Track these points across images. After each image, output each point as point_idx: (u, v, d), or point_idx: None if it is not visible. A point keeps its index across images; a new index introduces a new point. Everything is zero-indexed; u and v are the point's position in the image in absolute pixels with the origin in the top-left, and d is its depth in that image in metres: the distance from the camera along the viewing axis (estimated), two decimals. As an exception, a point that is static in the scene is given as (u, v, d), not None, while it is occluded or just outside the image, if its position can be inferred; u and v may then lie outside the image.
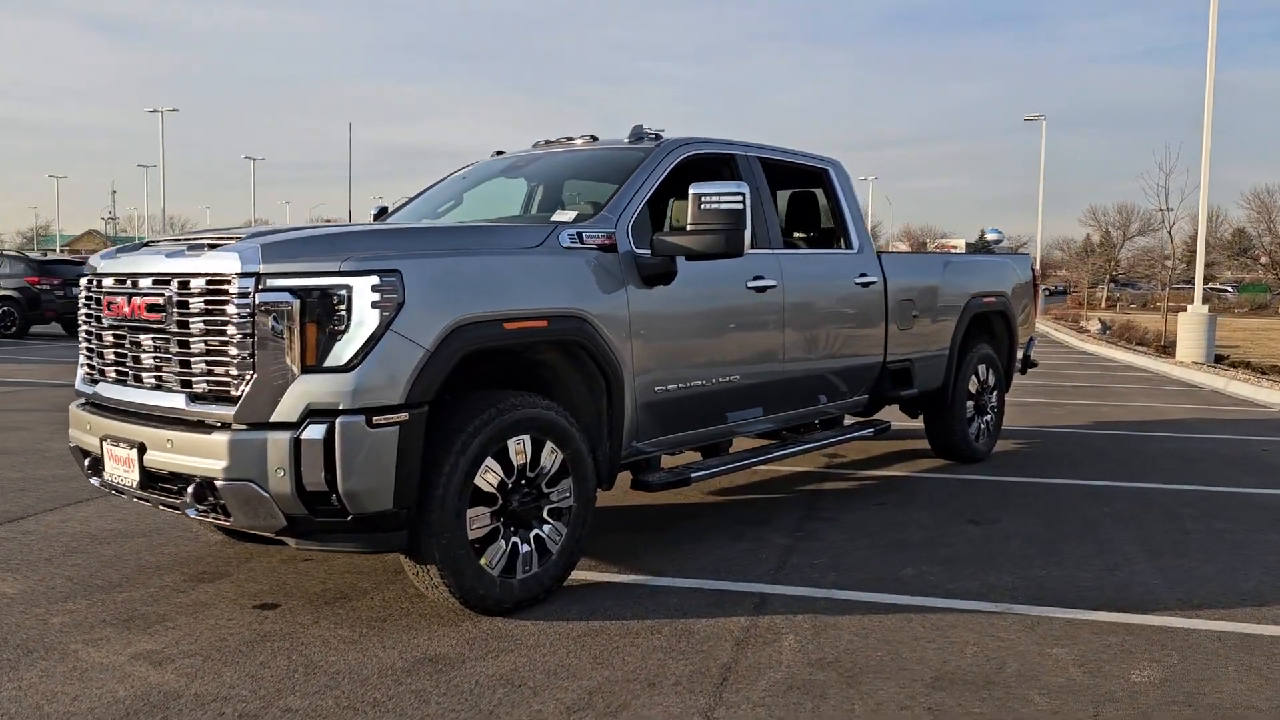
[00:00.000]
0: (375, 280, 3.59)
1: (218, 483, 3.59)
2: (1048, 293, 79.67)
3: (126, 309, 3.96)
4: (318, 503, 3.59)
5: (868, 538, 5.28)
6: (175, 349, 3.79)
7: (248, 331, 3.58)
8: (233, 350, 3.62)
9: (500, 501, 4.00)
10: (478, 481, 3.90)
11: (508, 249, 4.15)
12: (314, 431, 3.51)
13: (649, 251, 4.62)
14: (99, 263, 4.28)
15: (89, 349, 4.28)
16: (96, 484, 4.21)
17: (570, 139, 5.69)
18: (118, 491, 4.08)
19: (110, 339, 4.10)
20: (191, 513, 3.74)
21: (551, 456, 4.17)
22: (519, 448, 4.04)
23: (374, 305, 3.59)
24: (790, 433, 6.51)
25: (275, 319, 3.55)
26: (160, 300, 3.82)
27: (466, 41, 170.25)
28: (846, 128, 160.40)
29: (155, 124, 48.97)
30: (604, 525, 5.56)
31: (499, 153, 6.08)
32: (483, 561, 3.95)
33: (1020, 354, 8.12)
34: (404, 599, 4.23)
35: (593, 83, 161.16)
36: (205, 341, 3.70)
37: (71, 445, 4.38)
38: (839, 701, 3.26)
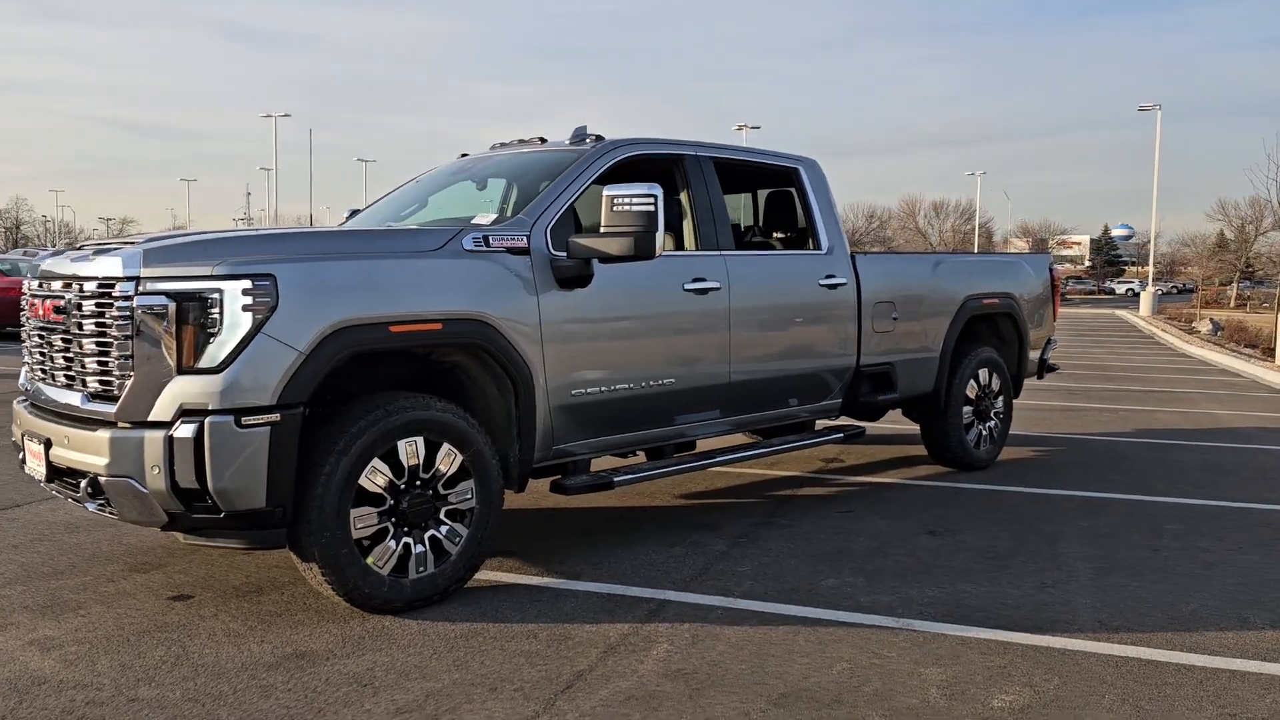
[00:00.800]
0: (247, 284, 3.69)
1: (101, 479, 3.75)
2: (1175, 290, 75.90)
3: (40, 310, 4.17)
4: (193, 500, 3.71)
5: (811, 545, 5.16)
6: (75, 349, 3.97)
7: (129, 333, 3.73)
8: (116, 351, 3.78)
9: (389, 502, 4.05)
10: (363, 482, 3.96)
11: (401, 253, 4.19)
12: (185, 430, 3.63)
13: (566, 254, 4.61)
14: (40, 265, 4.51)
15: (25, 348, 4.52)
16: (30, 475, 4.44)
17: (522, 141, 5.72)
18: (41, 484, 4.30)
19: (35, 339, 4.32)
20: (91, 506, 3.91)
21: (449, 458, 4.20)
22: (410, 449, 4.08)
23: (245, 309, 3.68)
24: (763, 436, 6.41)
25: (153, 321, 3.69)
26: (63, 302, 4.01)
27: (581, 41, 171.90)
28: (965, 121, 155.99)
29: (289, 129, 51.15)
30: (549, 528, 5.58)
31: (464, 155, 6.15)
32: (369, 560, 4.01)
33: (1036, 358, 7.78)
34: (310, 595, 4.33)
35: (707, 80, 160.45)
36: (96, 342, 3.87)
37: (11, 440, 4.64)
38: (670, 714, 3.20)
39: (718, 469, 7.10)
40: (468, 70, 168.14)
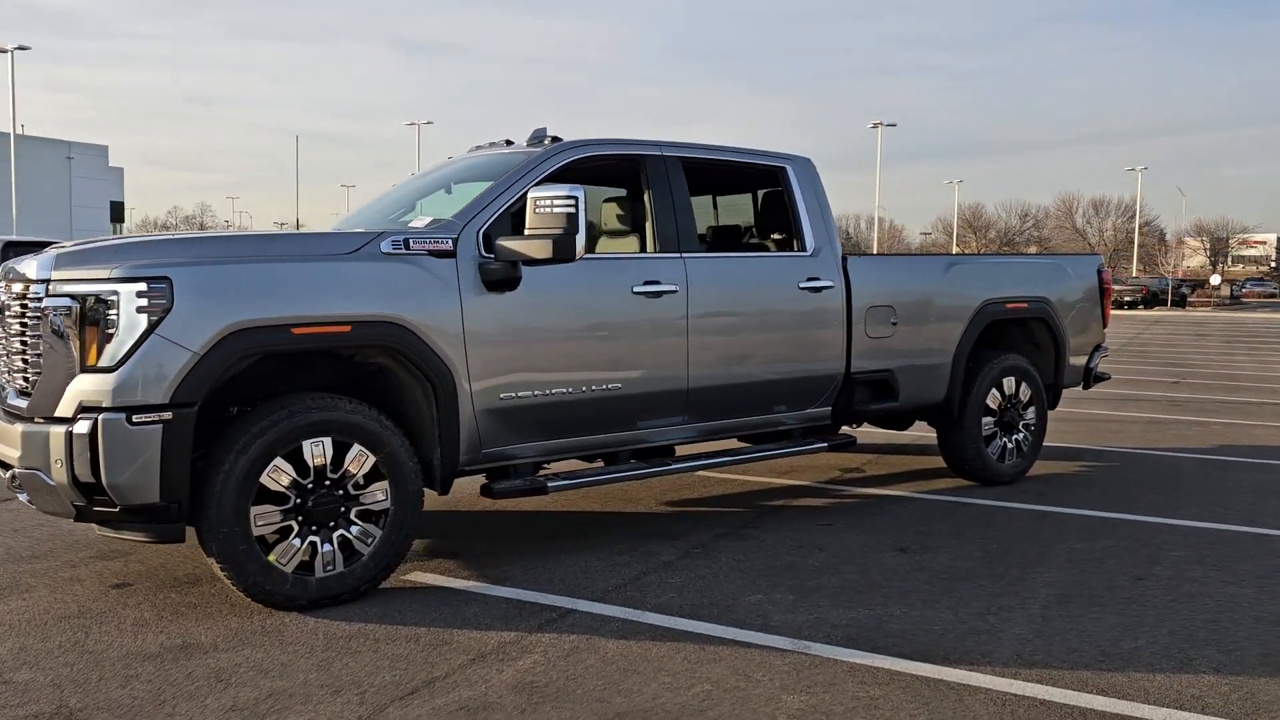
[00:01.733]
0: (142, 286, 3.83)
1: (17, 471, 3.96)
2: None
3: (-6, 311, 4.44)
4: (94, 493, 3.88)
5: (764, 559, 4.96)
6: (7, 347, 4.21)
7: (39, 333, 3.93)
8: (31, 349, 3.98)
9: (294, 501, 4.12)
10: (265, 480, 4.05)
11: (312, 256, 4.26)
12: (82, 426, 3.79)
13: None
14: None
15: (-3, 347, 4.82)
16: None
17: (492, 144, 5.73)
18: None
19: (-3, 339, 4.60)
20: (22, 497, 4.13)
21: (360, 459, 4.25)
22: (316, 450, 4.14)
23: (140, 310, 3.82)
24: (751, 443, 6.23)
25: (60, 321, 3.87)
26: (2, 302, 4.26)
27: (734, 42, 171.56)
28: (1138, 113, 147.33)
29: (436, 134, 53.14)
30: (512, 531, 5.57)
31: (449, 158, 6.21)
32: (271, 557, 4.10)
33: (1080, 366, 7.26)
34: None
35: (864, 77, 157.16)
36: (20, 340, 4.09)
37: None
38: (491, 727, 3.13)
39: (721, 475, 6.94)
40: (627, 74, 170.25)
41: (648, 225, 5.33)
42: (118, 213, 60.12)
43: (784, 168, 5.92)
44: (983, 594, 4.46)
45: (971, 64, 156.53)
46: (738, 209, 6.77)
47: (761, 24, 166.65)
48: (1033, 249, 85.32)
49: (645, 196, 5.34)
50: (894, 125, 55.40)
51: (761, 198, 6.33)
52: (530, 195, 4.51)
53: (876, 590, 4.50)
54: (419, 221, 4.80)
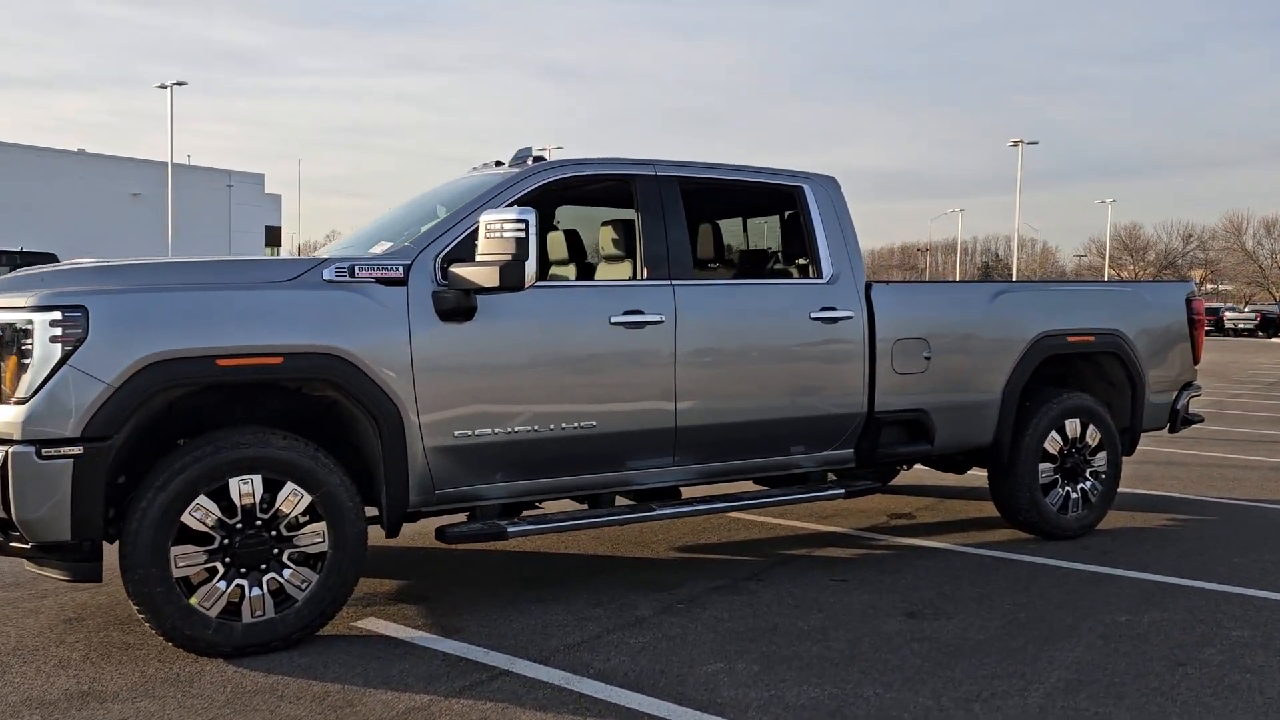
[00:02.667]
0: (56, 315, 3.70)
1: None
2: None
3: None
4: (9, 528, 3.76)
5: (748, 620, 4.48)
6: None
7: (-35, 363, 3.85)
8: (-41, 379, 3.91)
9: (220, 541, 3.92)
10: (187, 519, 3.86)
11: (245, 284, 4.06)
12: (-7, 460, 3.67)
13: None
14: None
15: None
16: None
17: (486, 164, 5.46)
18: None
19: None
20: None
21: (294, 499, 4.02)
22: (245, 487, 3.93)
23: (54, 340, 3.69)
24: (767, 485, 5.75)
25: (-17, 351, 3.78)
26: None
27: (884, 61, 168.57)
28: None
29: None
30: (496, 574, 5.24)
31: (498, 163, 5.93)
32: (194, 600, 3.90)
33: (1165, 405, 6.45)
34: (177, 628, 4.28)
35: (1026, 92, 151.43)
36: (-43, 369, 4.03)
37: None
38: (338, 813, 2.80)
39: (751, 517, 6.45)
40: (773, 95, 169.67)
41: (636, 250, 4.95)
42: (273, 237, 63.23)
43: (800, 188, 5.43)
44: (980, 674, 3.87)
45: (1132, 76, 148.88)
46: (763, 233, 6.30)
47: (910, 42, 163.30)
48: (1197, 273, 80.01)
49: (635, 220, 4.96)
50: (1035, 143, 52.86)
51: (785, 222, 5.85)
52: (481, 219, 4.21)
53: (858, 664, 3.97)
54: (379, 247, 4.56)
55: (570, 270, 5.95)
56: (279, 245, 65.77)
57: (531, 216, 4.12)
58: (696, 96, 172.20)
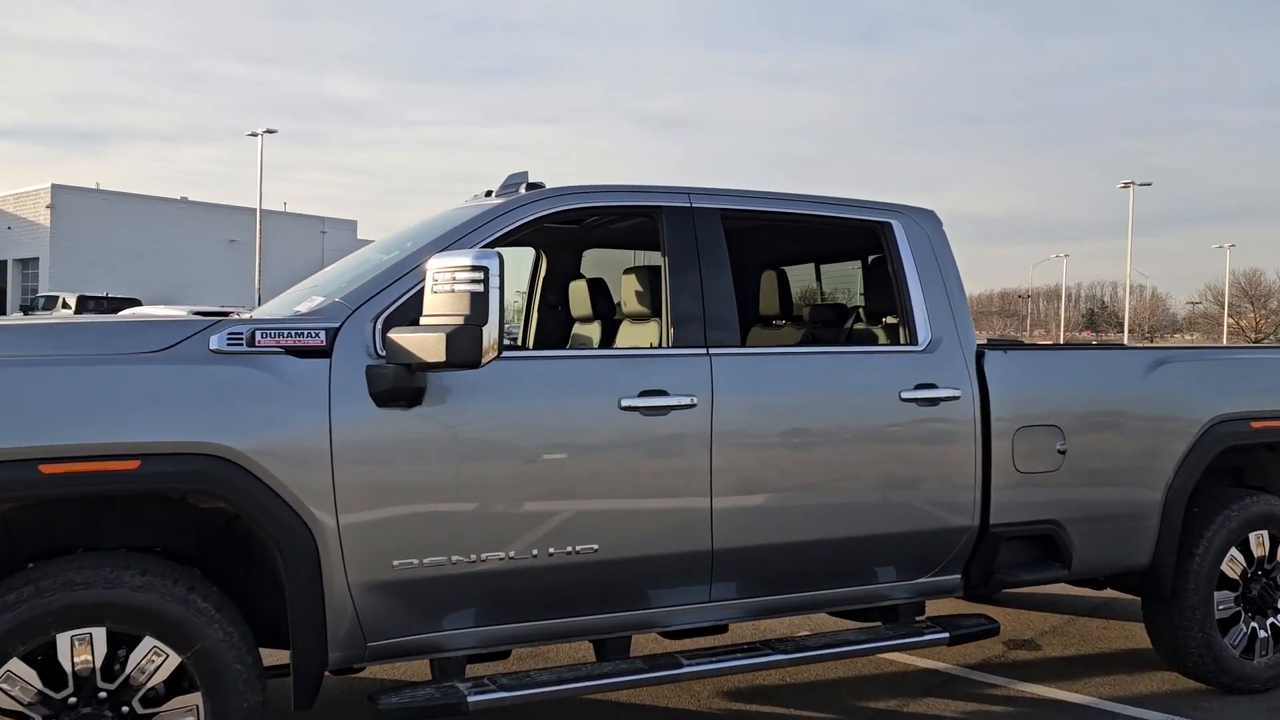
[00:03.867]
0: None
1: None
2: None
3: None
4: None
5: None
6: None
7: None
8: None
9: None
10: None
11: (91, 357, 2.91)
12: None
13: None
14: None
15: None
16: None
17: (477, 196, 4.27)
18: None
19: None
20: None
21: (154, 661, 2.83)
22: (79, 645, 2.77)
23: None
24: (844, 619, 4.37)
25: None
26: None
27: (982, 106, 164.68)
28: None
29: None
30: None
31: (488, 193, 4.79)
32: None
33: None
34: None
35: (1129, 136, 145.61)
36: None
37: None
38: None
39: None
40: (872, 141, 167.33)
41: (663, 306, 3.68)
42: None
43: (888, 224, 4.09)
44: None
45: (1250, 119, 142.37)
46: (837, 284, 4.98)
47: (1006, 88, 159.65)
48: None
49: (662, 265, 3.70)
50: (1148, 184, 50.02)
51: (862, 268, 4.52)
52: (428, 267, 3.01)
53: None
54: (308, 304, 3.38)
55: (594, 330, 4.72)
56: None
57: (493, 263, 2.90)
58: (793, 143, 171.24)
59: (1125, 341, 51.51)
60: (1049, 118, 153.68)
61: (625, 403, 3.38)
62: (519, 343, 5.28)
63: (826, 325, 4.84)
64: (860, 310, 4.71)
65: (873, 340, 4.47)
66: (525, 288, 5.25)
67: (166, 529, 3.17)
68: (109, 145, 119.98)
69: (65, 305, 30.81)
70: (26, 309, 37.23)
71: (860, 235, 4.33)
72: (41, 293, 39.75)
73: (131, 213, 51.68)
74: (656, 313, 3.95)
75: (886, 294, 4.19)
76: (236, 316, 3.36)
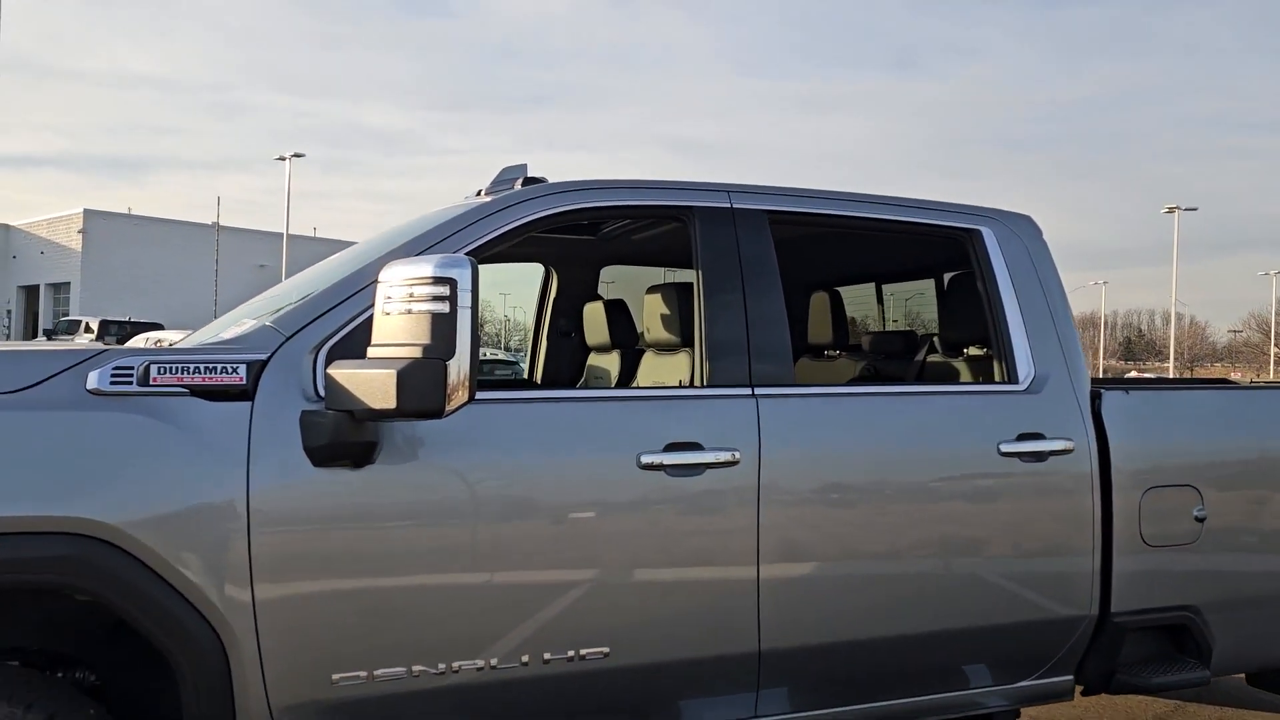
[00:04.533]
0: None
1: None
2: None
3: None
4: None
5: None
6: None
7: None
8: None
9: None
10: None
11: (-82, 399, 2.14)
12: None
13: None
14: None
15: None
16: None
17: (469, 196, 3.50)
18: None
19: None
20: None
21: (-7, 819, 2.05)
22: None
23: None
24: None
25: None
26: None
27: (1015, 131, 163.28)
28: None
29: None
30: None
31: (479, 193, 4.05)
32: None
33: None
34: None
35: (1165, 162, 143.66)
36: None
37: None
38: None
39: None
40: (906, 166, 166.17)
41: (695, 334, 2.88)
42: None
43: (976, 232, 3.27)
44: None
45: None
46: (914, 306, 4.16)
47: (1039, 113, 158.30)
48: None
49: (695, 283, 2.90)
50: (1194, 209, 48.64)
51: (939, 287, 3.71)
52: (380, 279, 2.22)
53: None
54: (235, 328, 2.61)
55: (612, 362, 3.94)
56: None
57: (463, 273, 2.12)
58: (825, 169, 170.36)
59: (1170, 372, 49.81)
60: (1083, 144, 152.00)
61: (646, 459, 2.57)
62: (526, 375, 4.52)
63: (891, 357, 4.02)
64: (934, 339, 3.88)
65: (953, 376, 3.64)
66: (534, 309, 4.50)
67: (36, 624, 2.40)
68: (150, 173, 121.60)
69: (88, 330, 30.52)
70: (50, 334, 37.07)
71: (939, 246, 3.52)
72: (69, 317, 39.64)
73: (162, 238, 51.73)
74: (687, 342, 3.16)
75: (972, 319, 3.36)
76: (168, 342, 2.61)
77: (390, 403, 2.09)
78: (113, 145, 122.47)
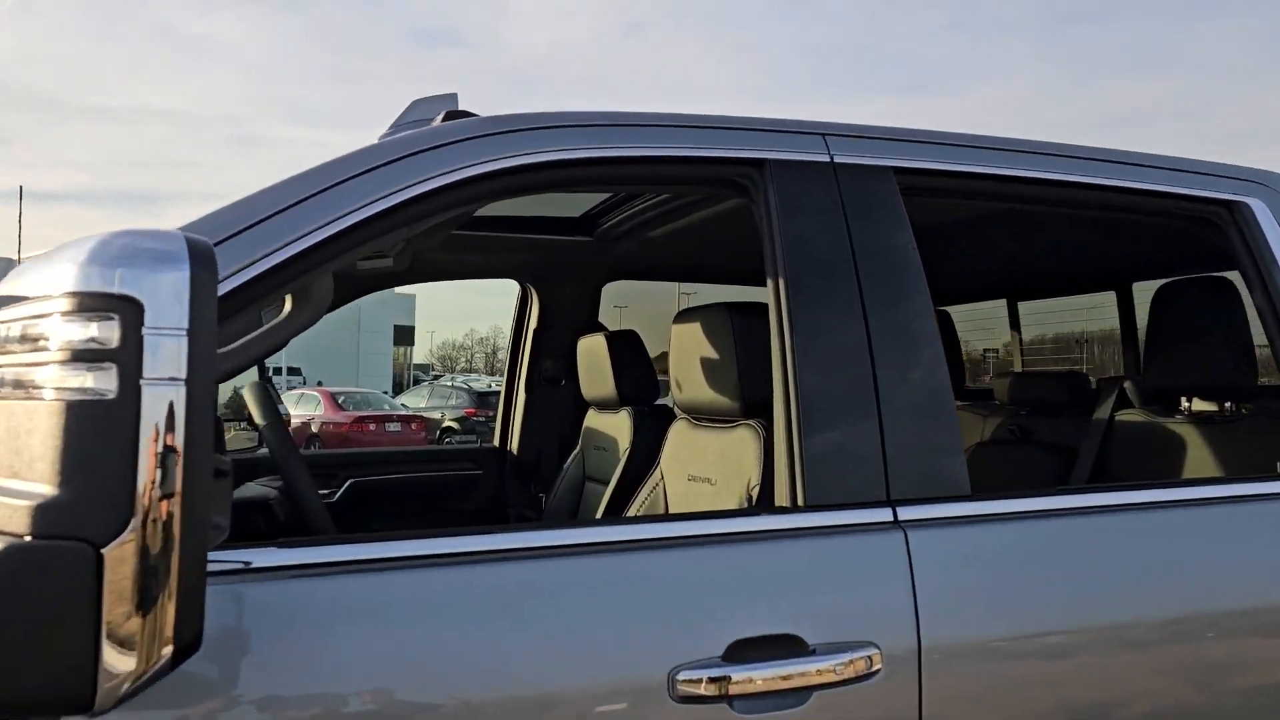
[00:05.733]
0: None
1: None
2: None
3: None
4: None
5: None
6: None
7: None
8: None
9: None
10: None
11: None
12: None
13: None
14: None
15: None
16: None
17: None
18: None
19: None
20: None
21: None
22: None
23: None
24: None
25: None
26: None
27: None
28: None
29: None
30: None
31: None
32: None
33: None
34: None
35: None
36: None
37: None
38: None
39: None
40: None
41: (773, 394, 1.48)
42: (403, 336, 61.92)
43: (1240, 204, 1.87)
44: None
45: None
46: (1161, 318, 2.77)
47: (1059, 135, 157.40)
48: None
49: (777, 299, 1.50)
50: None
51: (1159, 296, 2.31)
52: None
53: None
54: None
55: (621, 427, 2.57)
56: (410, 345, 64.66)
57: (170, 278, 0.76)
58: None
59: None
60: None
61: (687, 679, 1.20)
62: (496, 443, 3.11)
63: (1044, 413, 2.62)
64: (1125, 385, 2.47)
65: (1179, 448, 2.24)
66: (508, 346, 3.12)
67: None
68: (168, 206, 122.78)
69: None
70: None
71: (1147, 236, 2.13)
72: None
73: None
74: (755, 409, 1.78)
75: (1208, 351, 1.97)
76: None
77: (25, 526, 0.73)
78: (131, 179, 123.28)
